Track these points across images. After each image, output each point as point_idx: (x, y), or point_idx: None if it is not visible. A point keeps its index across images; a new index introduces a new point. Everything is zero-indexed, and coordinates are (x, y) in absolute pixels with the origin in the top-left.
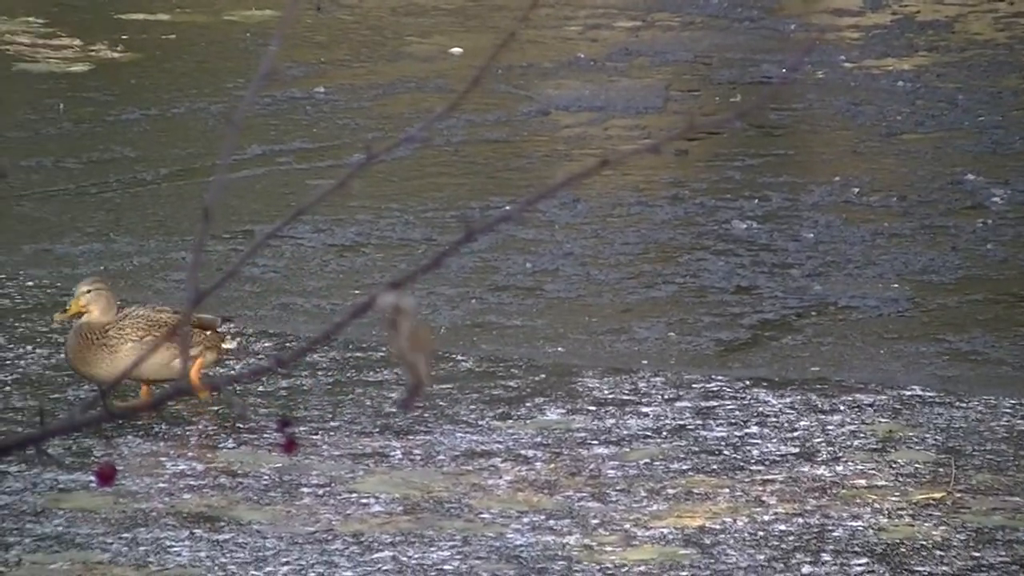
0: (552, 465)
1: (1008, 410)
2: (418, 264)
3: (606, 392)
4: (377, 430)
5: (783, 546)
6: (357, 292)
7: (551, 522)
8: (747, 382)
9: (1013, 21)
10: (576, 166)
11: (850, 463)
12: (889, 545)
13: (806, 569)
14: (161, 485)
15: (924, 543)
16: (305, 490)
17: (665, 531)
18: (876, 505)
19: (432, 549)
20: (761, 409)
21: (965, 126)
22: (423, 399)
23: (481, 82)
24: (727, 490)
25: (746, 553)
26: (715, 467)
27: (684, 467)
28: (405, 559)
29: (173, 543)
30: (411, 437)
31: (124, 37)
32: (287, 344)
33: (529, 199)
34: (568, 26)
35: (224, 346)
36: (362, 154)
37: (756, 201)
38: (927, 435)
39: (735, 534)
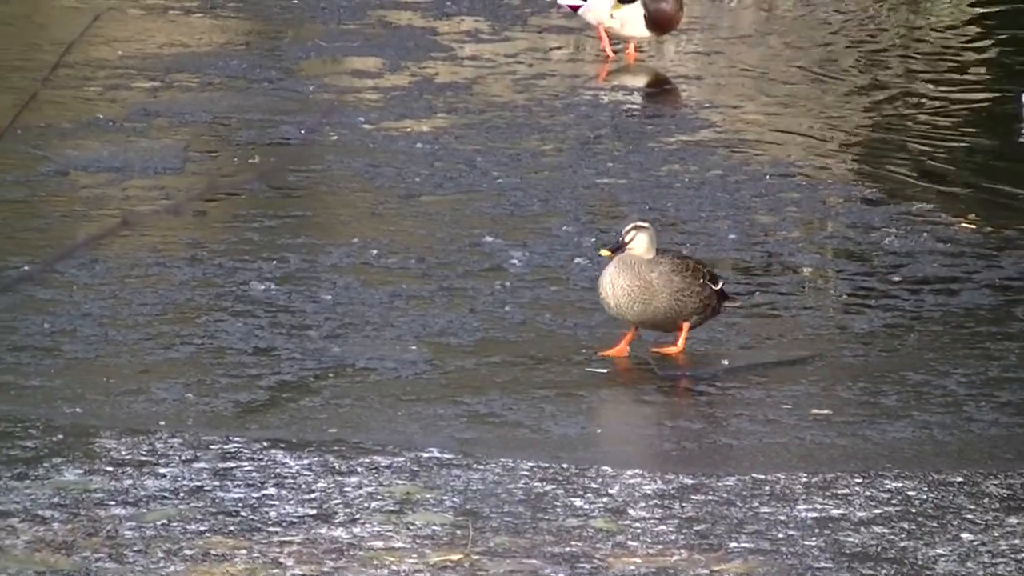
0: (69, 525)
1: (526, 472)
2: None
3: (124, 453)
4: None
5: None
6: None
7: None
8: (265, 443)
9: (532, 83)
10: (95, 227)
11: (368, 525)
12: None
13: None
14: None
15: None
16: None
17: None
18: (394, 567)
19: None
20: (279, 470)
21: (484, 188)
22: None
23: (0, 142)
24: (244, 551)
25: None
26: (232, 528)
27: (202, 528)
28: None
29: None
30: None
31: None
32: None
33: (50, 259)
34: (88, 86)
35: None
36: None
37: (275, 262)
38: (445, 497)
39: None
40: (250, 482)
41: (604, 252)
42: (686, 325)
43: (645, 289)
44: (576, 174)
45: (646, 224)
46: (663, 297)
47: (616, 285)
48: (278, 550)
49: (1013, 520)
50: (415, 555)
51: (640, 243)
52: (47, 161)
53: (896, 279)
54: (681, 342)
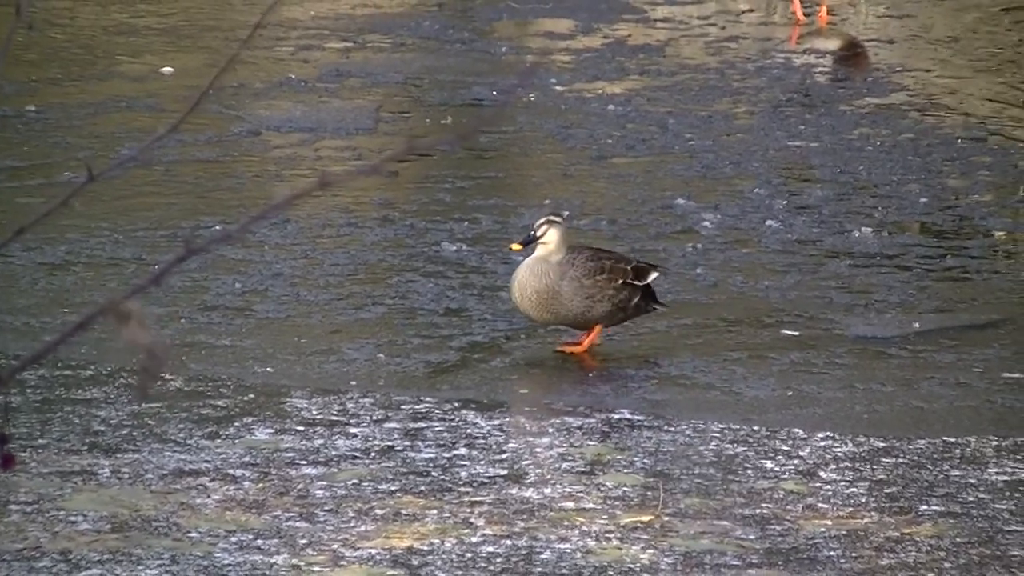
0: (260, 484)
1: (716, 434)
2: (129, 283)
3: (315, 412)
4: (85, 448)
5: (491, 568)
6: (66, 311)
7: (259, 541)
8: (456, 404)
9: (723, 46)
10: (286, 187)
11: (558, 485)
12: (597, 568)
13: None
14: None
15: (632, 566)
16: (13, 507)
17: (373, 551)
18: (584, 528)
19: (140, 567)
20: (470, 431)
21: (675, 150)
22: (153, 385)
23: (200, 103)
24: (435, 511)
25: (454, 574)
26: (423, 488)
27: (392, 488)
28: None
29: None
30: (119, 455)
31: None
32: None
33: (251, 218)
34: (280, 47)
35: None
36: (76, 173)
37: (466, 223)
38: (635, 458)
39: (443, 555)
40: (441, 442)
41: (515, 246)
42: (597, 328)
43: (553, 298)
44: (768, 137)
45: (559, 219)
46: (573, 304)
47: (526, 289)
48: (468, 510)
49: None
50: (605, 516)
51: (551, 237)
52: (240, 121)
53: None
54: (586, 342)
